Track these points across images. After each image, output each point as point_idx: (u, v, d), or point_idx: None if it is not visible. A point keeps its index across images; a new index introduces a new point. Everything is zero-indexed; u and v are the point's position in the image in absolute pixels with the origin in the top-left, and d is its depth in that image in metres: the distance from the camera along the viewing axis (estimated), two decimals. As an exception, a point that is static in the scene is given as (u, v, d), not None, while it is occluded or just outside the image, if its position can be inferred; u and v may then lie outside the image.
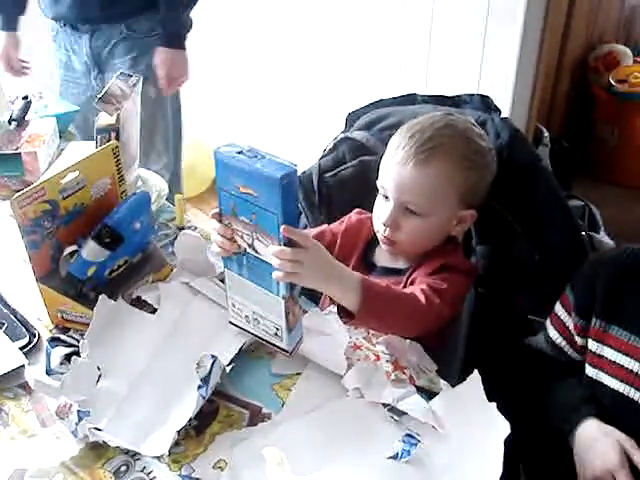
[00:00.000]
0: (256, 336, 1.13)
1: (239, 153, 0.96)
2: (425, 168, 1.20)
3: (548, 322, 1.22)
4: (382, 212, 1.23)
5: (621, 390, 1.09)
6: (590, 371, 1.14)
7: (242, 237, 1.03)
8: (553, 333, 1.21)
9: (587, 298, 1.15)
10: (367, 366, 1.11)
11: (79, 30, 2.22)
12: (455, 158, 1.22)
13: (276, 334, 1.09)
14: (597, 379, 1.13)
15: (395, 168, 1.22)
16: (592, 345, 1.14)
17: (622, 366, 1.09)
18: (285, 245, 0.99)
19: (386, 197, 1.23)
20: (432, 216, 1.22)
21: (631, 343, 1.08)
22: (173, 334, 1.17)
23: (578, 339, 1.17)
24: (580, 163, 2.63)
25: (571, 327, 1.18)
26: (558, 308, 1.21)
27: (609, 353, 1.11)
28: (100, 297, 1.16)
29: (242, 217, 1.01)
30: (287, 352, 1.10)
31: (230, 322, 1.15)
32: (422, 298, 1.15)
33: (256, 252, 1.03)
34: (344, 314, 1.14)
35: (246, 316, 1.12)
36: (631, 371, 1.08)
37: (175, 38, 2.18)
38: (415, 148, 1.20)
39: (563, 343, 1.20)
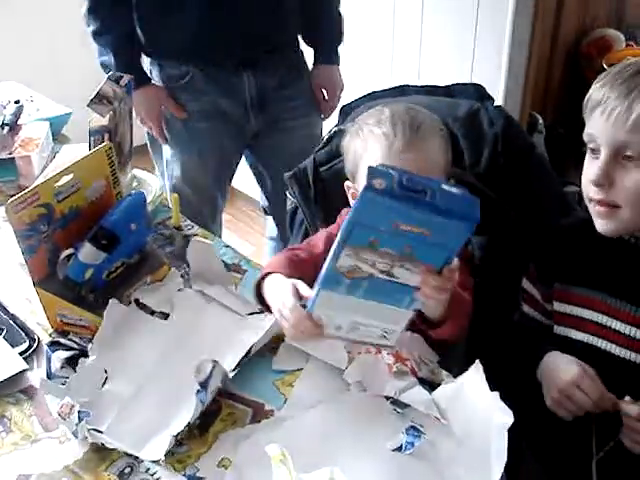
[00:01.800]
0: (343, 339, 1.06)
1: (397, 185, 0.82)
2: (425, 146, 1.17)
3: (521, 299, 1.26)
4: None
5: (588, 341, 1.14)
6: (558, 330, 1.19)
7: (374, 265, 0.91)
8: (526, 307, 1.24)
9: (547, 265, 1.21)
10: (368, 359, 1.11)
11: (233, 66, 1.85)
12: (439, 132, 1.21)
13: (383, 336, 1.03)
14: (566, 335, 1.17)
15: (394, 158, 1.16)
16: (557, 306, 1.19)
17: (587, 319, 1.14)
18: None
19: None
20: None
21: (592, 297, 1.14)
22: (183, 340, 1.17)
23: (547, 306, 1.21)
24: (576, 149, 2.63)
25: (538, 297, 1.22)
26: (525, 282, 1.24)
27: (573, 310, 1.16)
28: (110, 301, 1.17)
29: (386, 249, 0.89)
30: (392, 347, 1.06)
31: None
32: (466, 295, 1.15)
33: (391, 277, 0.92)
34: (424, 325, 1.11)
35: (337, 326, 1.02)
36: (596, 323, 1.13)
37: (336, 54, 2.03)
38: (409, 132, 1.17)
39: (536, 314, 1.23)
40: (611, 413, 1.05)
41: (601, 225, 1.08)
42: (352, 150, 1.23)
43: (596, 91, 1.05)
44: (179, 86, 1.85)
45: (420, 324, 1.11)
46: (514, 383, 1.13)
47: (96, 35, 1.81)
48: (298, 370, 1.12)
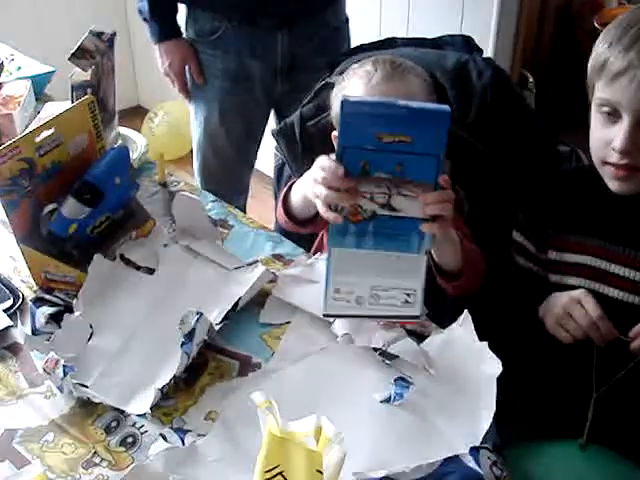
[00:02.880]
0: (367, 316, 1.03)
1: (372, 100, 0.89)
2: (405, 80, 1.16)
3: (513, 251, 1.25)
4: None
5: (584, 285, 1.14)
6: (554, 278, 1.19)
7: (372, 199, 0.93)
8: (521, 260, 1.24)
9: (539, 217, 1.21)
10: None
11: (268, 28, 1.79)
12: (421, 75, 1.20)
13: (406, 301, 1.00)
14: (561, 282, 1.17)
15: (373, 89, 1.15)
16: (552, 255, 1.19)
17: (581, 264, 1.15)
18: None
19: None
20: None
21: (584, 243, 1.15)
22: (169, 294, 1.16)
23: (541, 256, 1.21)
24: (566, 108, 2.61)
25: (532, 249, 1.22)
26: (516, 234, 1.24)
27: (569, 257, 1.17)
28: (95, 256, 1.15)
29: (378, 173, 0.92)
30: (417, 317, 1.03)
31: (325, 315, 1.04)
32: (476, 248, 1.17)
33: (392, 210, 0.94)
34: (443, 280, 1.12)
35: (358, 297, 1.00)
36: (594, 267, 1.14)
37: None
38: (390, 67, 1.16)
39: (531, 265, 1.23)
40: (612, 351, 1.05)
41: (619, 186, 1.07)
42: (337, 95, 1.22)
43: (617, 57, 1.02)
44: (210, 41, 1.81)
45: (440, 279, 1.11)
46: (510, 334, 1.13)
47: None
48: (285, 323, 1.12)
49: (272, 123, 2.01)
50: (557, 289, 1.15)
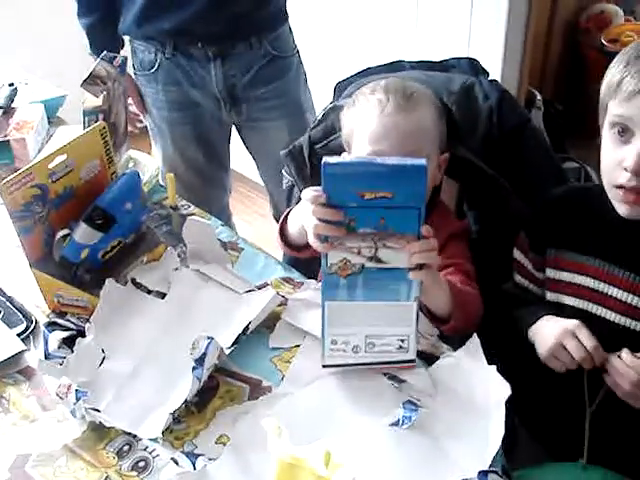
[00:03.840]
0: (365, 364, 1.06)
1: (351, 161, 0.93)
2: (417, 111, 1.18)
3: (513, 268, 1.27)
4: None
5: (580, 306, 1.15)
6: (551, 296, 1.20)
7: (360, 253, 0.96)
8: (518, 278, 1.26)
9: (539, 235, 1.21)
10: None
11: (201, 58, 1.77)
12: (433, 102, 1.21)
13: (400, 347, 1.04)
14: (558, 301, 1.18)
15: (386, 120, 1.17)
16: (550, 272, 1.20)
17: (579, 284, 1.15)
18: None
19: None
20: (431, 161, 1.19)
21: (583, 263, 1.15)
22: (180, 318, 1.17)
23: (538, 274, 1.22)
24: (575, 125, 2.62)
25: (529, 266, 1.23)
26: (516, 253, 1.26)
27: (566, 276, 1.17)
28: (107, 281, 1.17)
29: (363, 229, 0.95)
30: (412, 361, 1.06)
31: (325, 366, 1.06)
32: (473, 290, 1.17)
33: (379, 262, 0.97)
34: (433, 322, 1.12)
35: (354, 347, 1.04)
36: (591, 289, 1.14)
37: None
38: (401, 98, 1.17)
39: (527, 283, 1.25)
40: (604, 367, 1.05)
41: (627, 210, 1.06)
42: (347, 118, 1.24)
43: (633, 77, 1.01)
44: (150, 74, 1.81)
45: (432, 322, 1.12)
46: (506, 352, 1.13)
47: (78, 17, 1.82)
48: (295, 347, 1.12)
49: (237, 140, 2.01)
50: (554, 307, 1.16)
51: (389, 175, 0.92)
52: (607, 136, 1.07)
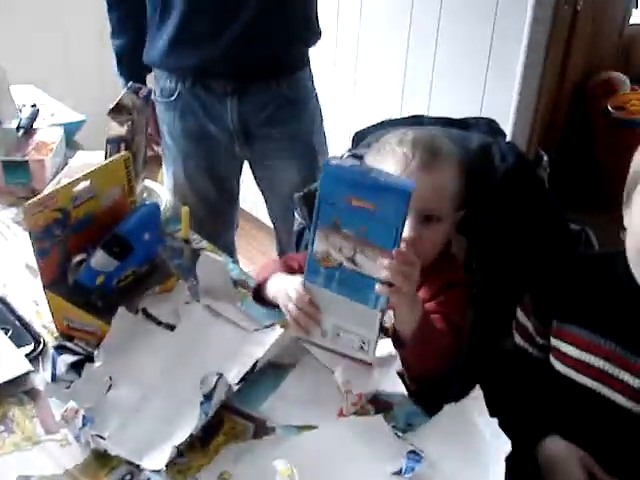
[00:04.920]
0: (331, 350, 1.14)
1: (352, 166, 1.00)
2: (440, 171, 1.21)
3: (514, 329, 1.26)
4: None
5: (590, 386, 1.12)
6: (556, 365, 1.17)
7: (340, 250, 1.04)
8: (517, 338, 1.25)
9: (545, 301, 1.19)
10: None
11: (219, 92, 1.79)
12: (457, 161, 1.25)
13: (361, 347, 1.11)
14: (564, 374, 1.15)
15: (409, 177, 1.19)
16: (555, 342, 1.17)
17: (587, 363, 1.12)
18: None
19: None
20: (448, 219, 1.25)
21: (592, 341, 1.11)
22: (189, 351, 1.17)
23: (540, 340, 1.21)
24: (577, 188, 2.66)
25: (531, 329, 1.21)
26: (519, 313, 1.25)
27: (573, 351, 1.14)
28: (119, 309, 1.18)
29: (346, 230, 1.03)
30: (369, 364, 1.12)
31: (299, 337, 1.16)
32: (446, 337, 1.17)
33: (355, 265, 1.04)
34: (397, 344, 1.14)
35: (323, 330, 1.12)
36: (599, 369, 1.10)
37: None
38: (427, 155, 1.20)
39: (527, 345, 1.23)
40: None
41: None
42: (371, 165, 1.26)
43: None
44: (170, 102, 1.84)
45: (393, 342, 1.15)
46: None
47: (111, 37, 1.87)
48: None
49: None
50: (562, 382, 1.15)
51: (376, 190, 0.98)
52: None
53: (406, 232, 1.17)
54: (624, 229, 1.10)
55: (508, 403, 1.18)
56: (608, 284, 1.12)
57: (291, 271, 1.31)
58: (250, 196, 2.13)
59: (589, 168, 2.92)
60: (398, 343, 1.14)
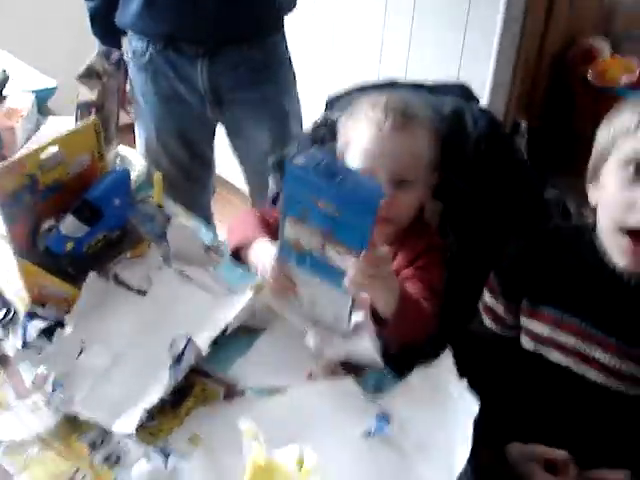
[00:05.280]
0: (306, 318, 1.14)
1: (317, 165, 0.95)
2: (413, 135, 1.21)
3: (480, 308, 1.24)
4: None
5: (564, 364, 1.12)
6: (528, 345, 1.16)
7: (310, 242, 1.03)
8: (485, 319, 1.23)
9: (514, 281, 1.17)
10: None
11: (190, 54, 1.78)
12: (431, 126, 1.25)
13: (335, 320, 1.11)
14: (536, 351, 1.15)
15: (382, 140, 1.20)
16: (525, 322, 1.16)
17: (558, 341, 1.12)
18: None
19: None
20: (423, 183, 1.25)
21: (563, 319, 1.11)
22: (160, 316, 1.17)
23: (509, 319, 1.19)
24: (557, 155, 2.66)
25: (500, 311, 1.20)
26: (486, 295, 1.23)
27: (544, 330, 1.13)
28: (90, 274, 1.18)
29: (315, 225, 1.00)
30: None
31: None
32: (427, 305, 1.17)
33: (325, 256, 1.03)
34: (375, 321, 1.14)
35: (299, 300, 1.13)
36: (569, 345, 1.10)
37: None
38: (399, 118, 1.20)
39: (494, 326, 1.22)
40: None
41: (630, 262, 1.01)
42: (344, 130, 1.27)
43: None
44: (142, 64, 1.80)
45: (373, 320, 1.14)
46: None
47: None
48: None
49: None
50: (531, 357, 1.14)
51: (342, 199, 0.95)
52: (617, 175, 1.01)
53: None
54: (588, 205, 1.09)
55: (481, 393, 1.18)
56: (577, 261, 1.11)
57: (269, 229, 1.31)
58: (225, 162, 2.11)
59: (569, 134, 2.93)
60: (377, 321, 1.13)
